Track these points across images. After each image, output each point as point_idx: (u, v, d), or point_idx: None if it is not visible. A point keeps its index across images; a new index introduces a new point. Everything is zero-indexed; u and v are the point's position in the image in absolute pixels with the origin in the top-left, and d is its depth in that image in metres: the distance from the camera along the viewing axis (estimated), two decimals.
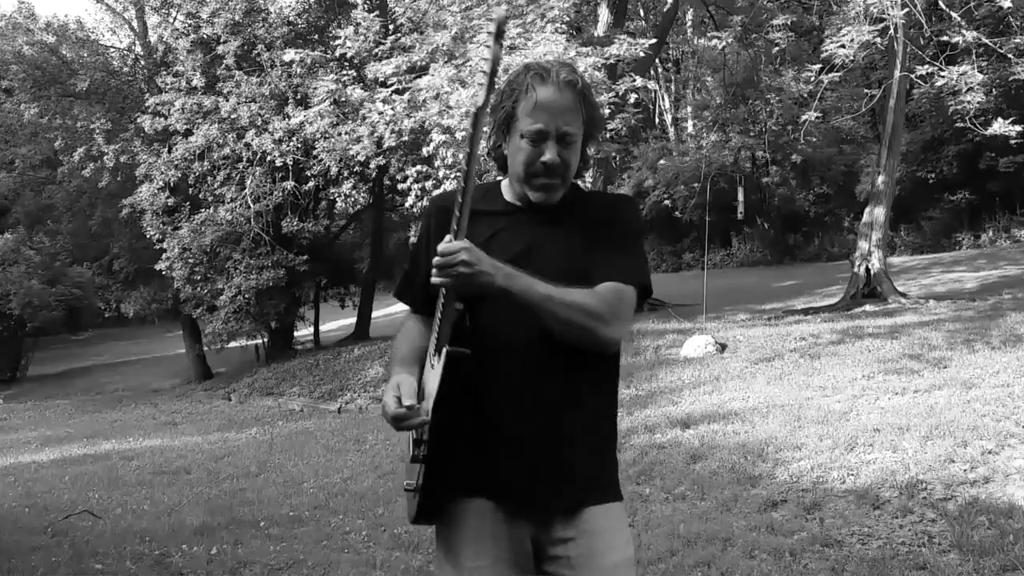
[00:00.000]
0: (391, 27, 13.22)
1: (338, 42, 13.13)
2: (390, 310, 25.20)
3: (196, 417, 13.82)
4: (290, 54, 14.10)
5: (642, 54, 11.37)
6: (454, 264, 1.76)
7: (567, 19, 11.40)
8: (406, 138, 11.69)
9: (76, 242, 24.85)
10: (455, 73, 10.80)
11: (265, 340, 18.38)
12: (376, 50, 12.61)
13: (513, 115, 1.92)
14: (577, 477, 1.93)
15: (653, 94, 28.84)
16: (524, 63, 2.00)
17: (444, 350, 1.82)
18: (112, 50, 20.47)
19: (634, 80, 11.10)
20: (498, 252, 1.87)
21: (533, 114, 1.89)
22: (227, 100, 15.13)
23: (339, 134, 13.59)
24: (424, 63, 11.63)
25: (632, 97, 11.30)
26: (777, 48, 13.33)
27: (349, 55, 13.07)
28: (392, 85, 11.82)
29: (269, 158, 15.04)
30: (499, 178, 2.12)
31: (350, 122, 13.55)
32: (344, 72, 13.45)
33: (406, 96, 11.56)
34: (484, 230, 1.95)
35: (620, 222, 2.00)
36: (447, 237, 1.79)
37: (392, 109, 11.62)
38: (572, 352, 1.89)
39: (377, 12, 14.05)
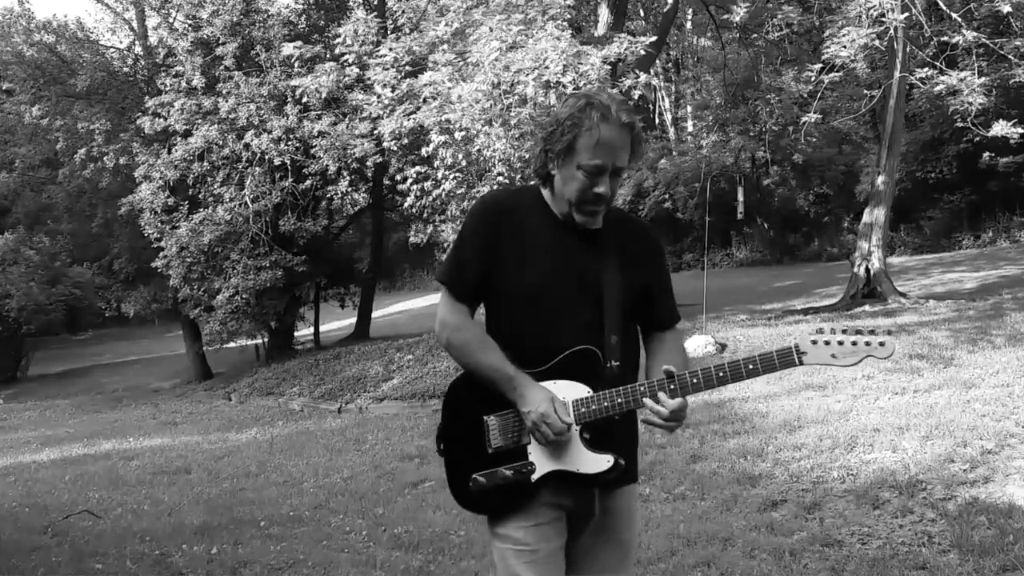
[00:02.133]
0: (390, 27, 13.22)
1: (338, 40, 13.12)
2: (390, 310, 25.20)
3: (196, 417, 13.82)
4: (288, 48, 14.10)
5: (643, 52, 11.36)
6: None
7: (568, 17, 11.39)
8: (406, 140, 11.69)
9: (76, 242, 24.84)
10: (455, 68, 10.79)
11: (265, 340, 18.37)
12: (376, 51, 12.61)
13: (572, 147, 2.10)
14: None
15: (653, 94, 28.85)
16: (585, 97, 2.15)
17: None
18: (112, 51, 20.45)
19: (638, 77, 11.09)
20: (570, 273, 2.16)
21: (594, 151, 2.08)
22: (226, 101, 15.12)
23: (339, 134, 13.59)
24: (424, 54, 11.62)
25: (636, 95, 11.29)
26: (781, 37, 13.27)
27: (350, 60, 13.05)
28: (390, 81, 11.78)
29: (268, 157, 15.04)
30: (536, 183, 2.30)
31: (347, 120, 13.57)
32: (344, 71, 13.43)
33: (404, 86, 11.54)
34: (542, 242, 2.18)
35: (663, 259, 2.37)
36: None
37: (391, 109, 11.61)
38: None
39: (376, 13, 14.05)
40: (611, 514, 2.25)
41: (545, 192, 2.23)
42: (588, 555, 2.27)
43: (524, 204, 2.24)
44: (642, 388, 2.12)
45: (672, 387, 2.11)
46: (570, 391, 2.13)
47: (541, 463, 2.13)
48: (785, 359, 2.05)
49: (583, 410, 2.12)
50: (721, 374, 2.09)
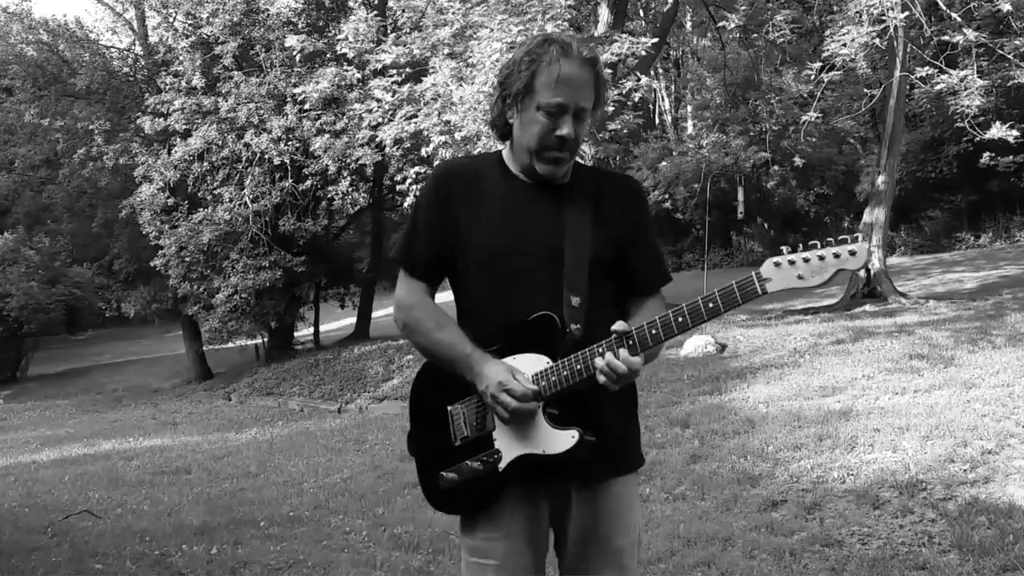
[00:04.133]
0: (391, 26, 13.23)
1: (340, 37, 13.13)
2: (390, 310, 25.13)
3: (196, 417, 13.82)
4: (291, 40, 14.11)
5: (643, 52, 11.36)
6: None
7: (568, 17, 11.39)
8: (408, 144, 11.71)
9: (76, 242, 24.84)
10: (456, 69, 10.79)
11: (265, 340, 18.37)
12: (376, 48, 12.61)
13: (531, 87, 1.91)
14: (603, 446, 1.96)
15: (654, 94, 28.84)
16: (543, 34, 1.98)
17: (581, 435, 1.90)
18: (112, 50, 20.46)
19: (639, 79, 11.09)
20: (529, 233, 1.94)
21: (554, 88, 1.88)
22: (226, 100, 15.12)
23: (341, 145, 13.60)
24: (425, 56, 11.63)
25: (636, 96, 11.29)
26: (781, 40, 13.28)
27: (350, 55, 13.06)
28: (390, 87, 11.79)
29: (267, 156, 15.04)
30: (499, 148, 2.12)
31: (347, 129, 13.57)
32: (345, 69, 13.43)
33: (405, 90, 11.55)
34: (499, 203, 1.98)
35: (646, 215, 2.12)
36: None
37: (392, 114, 11.61)
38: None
39: (376, 12, 14.05)
40: (599, 516, 2.00)
41: (505, 152, 2.05)
42: (576, 565, 2.03)
43: (481, 169, 2.04)
44: (599, 349, 1.86)
45: (631, 343, 1.85)
46: (530, 365, 1.91)
47: (507, 448, 1.92)
48: (747, 289, 1.82)
49: (543, 383, 1.89)
50: (680, 319, 1.85)
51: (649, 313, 1.95)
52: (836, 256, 1.80)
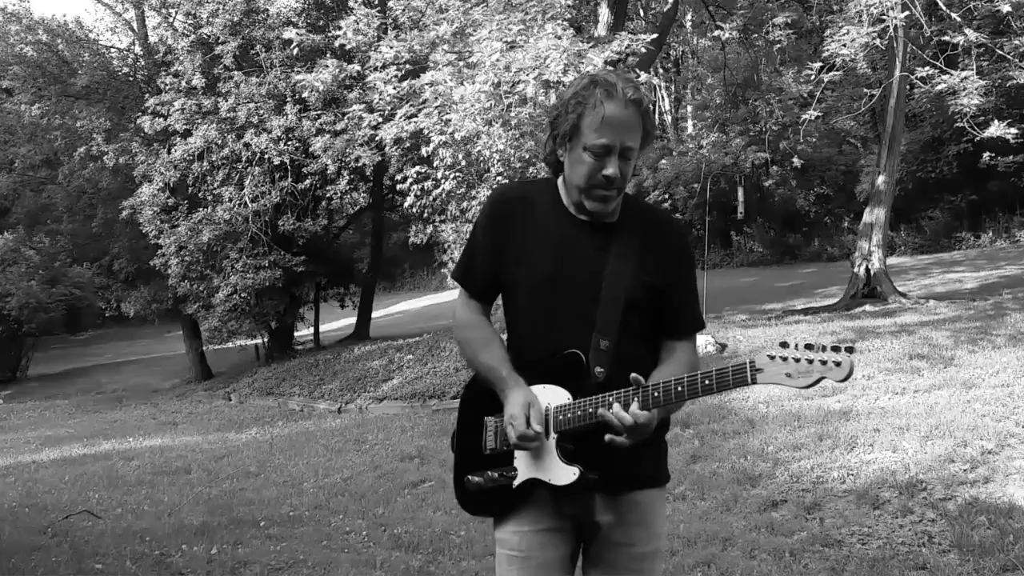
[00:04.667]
0: (391, 24, 13.22)
1: (339, 32, 13.13)
2: (390, 310, 25.18)
3: (196, 417, 13.82)
4: (290, 32, 14.09)
5: (643, 49, 11.35)
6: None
7: (568, 17, 11.38)
8: (408, 144, 11.70)
9: (76, 242, 24.81)
10: (456, 69, 10.79)
11: (265, 340, 18.36)
12: (376, 45, 12.60)
13: (578, 128, 2.00)
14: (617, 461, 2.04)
15: (653, 93, 28.78)
16: (589, 76, 2.08)
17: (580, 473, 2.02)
18: (112, 50, 20.45)
19: (639, 76, 11.08)
20: (571, 268, 2.06)
21: (599, 129, 1.99)
22: (226, 100, 15.12)
23: (340, 145, 13.59)
24: (425, 53, 11.61)
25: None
26: (778, 46, 13.30)
27: (348, 47, 13.04)
28: (390, 79, 11.77)
29: (267, 156, 15.03)
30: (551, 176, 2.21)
31: (345, 119, 13.55)
32: (344, 66, 13.42)
33: (405, 85, 11.54)
34: (549, 234, 2.09)
35: (688, 260, 2.18)
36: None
37: (392, 112, 11.60)
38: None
39: (378, 8, 14.04)
40: (622, 524, 2.10)
41: (559, 182, 2.15)
42: (598, 565, 2.14)
43: (536, 197, 2.15)
44: (611, 398, 1.96)
45: (642, 398, 1.94)
46: (553, 397, 2.04)
47: (523, 469, 2.06)
48: (738, 376, 1.90)
49: (560, 417, 2.02)
50: (679, 388, 1.94)
51: (676, 361, 2.09)
52: (823, 363, 1.86)
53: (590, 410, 1.97)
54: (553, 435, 2.02)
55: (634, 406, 1.92)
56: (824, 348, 1.86)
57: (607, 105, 1.97)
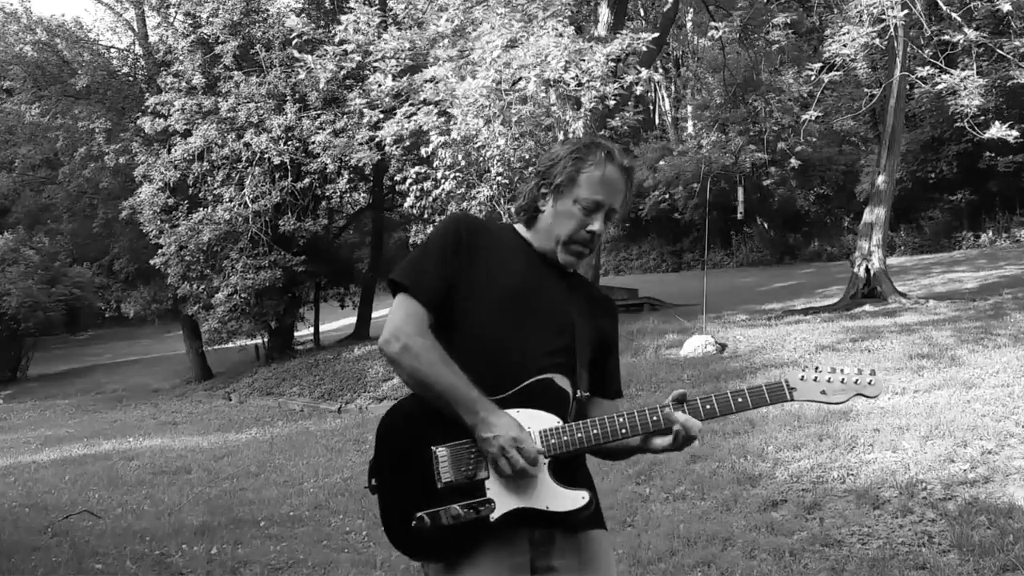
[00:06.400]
0: (390, 22, 13.22)
1: (340, 27, 13.13)
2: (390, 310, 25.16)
3: (196, 417, 13.82)
4: (292, 19, 14.09)
5: (643, 48, 11.36)
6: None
7: (568, 14, 11.38)
8: (407, 143, 11.70)
9: (76, 242, 24.82)
10: (457, 66, 10.79)
11: (265, 340, 18.36)
12: (377, 40, 12.61)
13: (574, 180, 2.06)
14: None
15: (653, 93, 28.85)
16: (588, 137, 2.21)
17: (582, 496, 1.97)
18: (112, 50, 20.45)
19: (639, 72, 11.08)
20: (547, 297, 2.06)
21: (597, 187, 2.05)
22: (226, 100, 15.13)
23: (340, 144, 13.60)
24: (425, 49, 11.62)
25: (638, 89, 11.27)
26: (777, 46, 13.30)
27: (350, 49, 13.05)
28: (391, 71, 11.78)
29: (267, 156, 15.03)
30: (510, 222, 2.26)
31: (345, 118, 13.56)
32: (346, 58, 13.42)
33: (405, 81, 11.55)
34: (519, 257, 2.08)
35: (617, 329, 2.27)
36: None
37: (392, 110, 11.61)
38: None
39: (377, 7, 14.05)
40: (583, 563, 1.99)
41: (521, 229, 2.14)
42: None
43: (497, 230, 2.16)
44: (620, 419, 1.97)
45: (689, 410, 2.04)
46: (535, 421, 1.93)
47: (502, 500, 1.89)
48: (776, 394, 2.01)
49: (552, 441, 1.93)
50: (708, 407, 2.03)
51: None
52: (857, 382, 2.00)
53: (593, 432, 1.96)
54: (543, 461, 1.92)
55: (682, 415, 2.01)
56: (855, 370, 2.02)
57: (608, 166, 2.06)
